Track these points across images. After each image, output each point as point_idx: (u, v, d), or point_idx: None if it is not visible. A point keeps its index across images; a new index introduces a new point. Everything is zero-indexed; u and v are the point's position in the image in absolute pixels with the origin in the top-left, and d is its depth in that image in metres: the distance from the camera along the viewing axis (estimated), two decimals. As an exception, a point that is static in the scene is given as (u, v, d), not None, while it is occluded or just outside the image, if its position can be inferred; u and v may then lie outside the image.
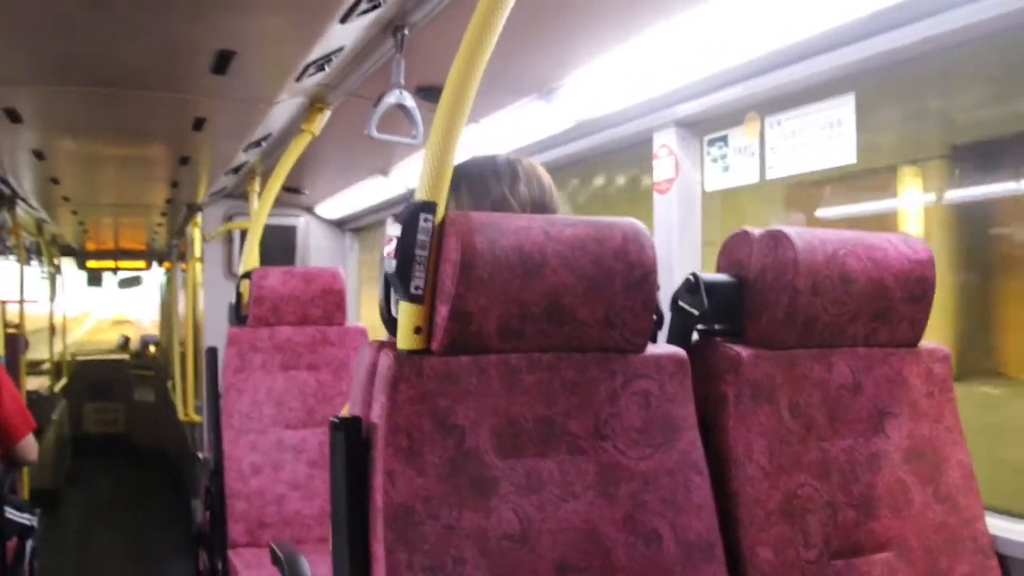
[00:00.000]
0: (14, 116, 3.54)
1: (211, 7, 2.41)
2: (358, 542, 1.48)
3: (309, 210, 6.34)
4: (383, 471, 1.45)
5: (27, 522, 4.09)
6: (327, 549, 1.58)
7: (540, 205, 1.76)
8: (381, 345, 1.55)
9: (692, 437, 1.65)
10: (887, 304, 1.80)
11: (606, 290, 1.56)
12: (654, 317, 1.67)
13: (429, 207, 1.48)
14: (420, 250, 1.48)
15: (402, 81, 2.58)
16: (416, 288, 1.48)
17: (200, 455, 4.49)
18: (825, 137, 2.41)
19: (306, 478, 3.69)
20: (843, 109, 2.36)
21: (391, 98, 2.60)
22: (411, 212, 1.48)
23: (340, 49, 2.71)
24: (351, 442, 1.50)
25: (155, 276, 12.12)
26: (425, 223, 1.48)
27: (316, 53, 2.70)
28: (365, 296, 6.63)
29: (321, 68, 2.88)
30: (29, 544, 4.12)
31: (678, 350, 1.68)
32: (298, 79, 2.99)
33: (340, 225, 6.46)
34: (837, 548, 1.73)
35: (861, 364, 1.82)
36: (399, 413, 1.47)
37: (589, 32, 2.51)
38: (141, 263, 11.42)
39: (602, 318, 1.58)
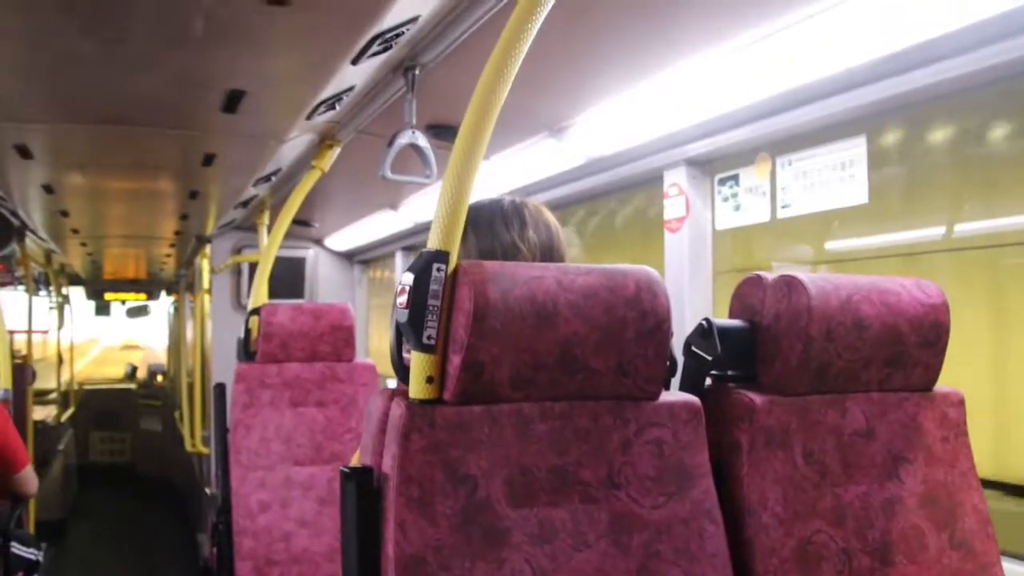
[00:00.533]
0: (24, 152, 3.55)
1: (222, 47, 2.42)
2: None
3: (318, 242, 6.35)
4: (394, 521, 1.44)
5: (33, 557, 4.07)
6: None
7: (548, 249, 1.77)
8: (393, 394, 1.54)
9: (706, 485, 1.63)
10: (901, 349, 1.79)
11: (619, 339, 1.55)
12: (667, 363, 1.65)
13: (442, 256, 1.48)
14: (432, 300, 1.47)
15: (414, 120, 2.58)
16: (428, 338, 1.47)
17: (208, 491, 4.48)
18: (836, 178, 2.41)
19: (314, 515, 3.67)
20: (854, 150, 2.36)
21: (404, 138, 2.60)
22: (424, 262, 1.48)
23: (351, 88, 2.72)
24: (362, 492, 1.49)
25: (163, 305, 12.13)
26: (438, 272, 1.47)
27: (327, 92, 2.71)
28: (374, 327, 6.63)
29: (332, 107, 2.88)
30: (35, 579, 4.10)
31: (692, 398, 1.67)
32: (308, 117, 2.99)
33: (349, 257, 6.47)
34: None
35: (875, 409, 1.80)
36: (411, 463, 1.45)
37: (601, 72, 2.52)
38: (149, 293, 11.43)
39: (615, 366, 1.57)
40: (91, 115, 3.12)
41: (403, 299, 1.47)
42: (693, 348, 1.80)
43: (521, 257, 1.70)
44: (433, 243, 1.49)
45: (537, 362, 1.51)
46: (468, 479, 1.48)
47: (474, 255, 1.70)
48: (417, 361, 1.49)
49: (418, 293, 1.46)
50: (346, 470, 1.51)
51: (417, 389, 1.49)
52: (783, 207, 2.57)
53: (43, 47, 2.42)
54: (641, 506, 1.59)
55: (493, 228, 1.74)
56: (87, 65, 2.59)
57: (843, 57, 2.12)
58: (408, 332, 1.48)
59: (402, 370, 1.55)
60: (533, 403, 1.54)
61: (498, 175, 3.42)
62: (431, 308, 1.47)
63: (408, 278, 1.48)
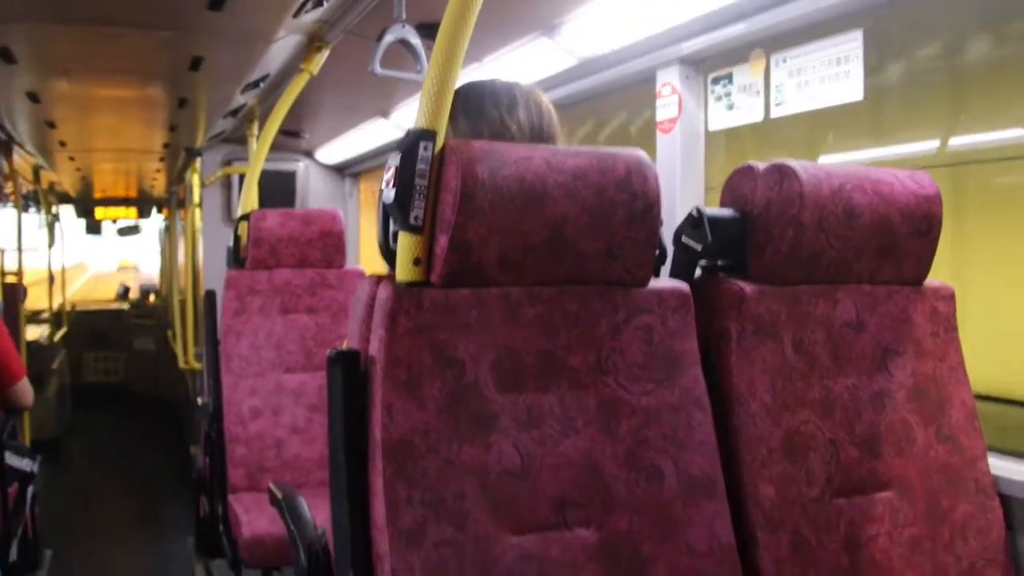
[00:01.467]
0: (8, 56, 3.49)
1: None
2: (357, 476, 1.47)
3: (309, 155, 6.29)
4: (382, 404, 1.43)
5: (27, 468, 4.09)
6: (327, 493, 1.56)
7: (539, 130, 1.71)
8: (379, 279, 1.52)
9: (695, 373, 1.63)
10: (893, 240, 1.77)
11: (609, 221, 1.53)
12: (656, 252, 1.64)
13: (428, 135, 1.45)
14: (420, 179, 1.44)
15: (404, 16, 2.53)
16: (415, 218, 1.45)
17: (200, 400, 4.48)
18: (831, 75, 2.37)
19: (306, 422, 3.68)
20: (850, 45, 2.32)
21: (394, 33, 2.56)
22: (410, 140, 1.45)
23: None
24: (349, 376, 1.48)
25: (154, 223, 12.07)
26: (425, 151, 1.45)
27: (313, -14, 2.66)
28: (364, 239, 6.61)
29: (319, 3, 2.83)
30: (30, 490, 4.12)
31: (681, 284, 1.66)
32: (295, 15, 2.94)
33: (340, 170, 6.42)
34: (839, 486, 1.71)
35: (866, 301, 1.80)
36: (398, 346, 1.44)
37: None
38: (140, 211, 11.36)
39: (604, 250, 1.55)
40: (76, 14, 3.06)
41: (389, 177, 1.45)
42: (684, 238, 1.79)
43: (509, 137, 1.67)
44: (420, 122, 1.46)
45: (526, 244, 1.50)
46: (455, 362, 1.48)
47: (463, 133, 1.66)
48: (404, 242, 1.47)
49: (404, 172, 1.44)
50: (333, 354, 1.49)
51: (404, 271, 1.48)
52: (776, 105, 2.53)
53: None
54: (630, 392, 1.58)
55: (483, 106, 1.69)
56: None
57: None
58: (395, 212, 1.46)
59: (390, 255, 1.53)
60: (521, 287, 1.53)
61: (490, 77, 3.38)
62: (418, 188, 1.44)
63: (395, 158, 1.45)
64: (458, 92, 1.67)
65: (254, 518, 3.30)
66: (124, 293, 12.75)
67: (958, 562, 1.78)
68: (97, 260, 16.84)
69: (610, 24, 2.76)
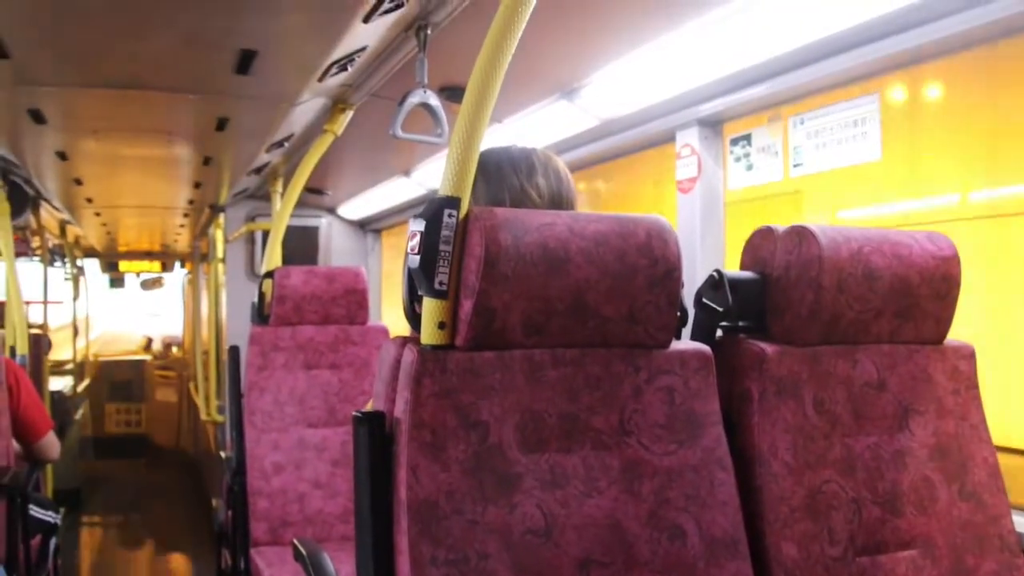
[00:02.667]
0: (38, 117, 3.57)
1: (233, 5, 2.42)
2: (382, 536, 1.49)
3: (331, 211, 6.35)
4: (407, 465, 1.45)
5: (51, 520, 4.12)
6: (350, 548, 1.58)
7: (558, 196, 1.75)
8: (404, 341, 1.55)
9: (717, 433, 1.64)
10: (912, 301, 1.79)
11: (630, 286, 1.56)
12: (678, 314, 1.66)
13: (453, 202, 1.48)
14: (444, 245, 1.48)
15: (426, 80, 2.58)
16: (440, 283, 1.48)
17: (223, 454, 4.51)
18: (849, 136, 2.40)
19: (328, 477, 3.70)
20: (868, 107, 2.35)
21: (416, 97, 2.60)
22: (435, 207, 1.48)
23: (363, 49, 2.72)
24: (375, 436, 1.50)
25: (177, 278, 12.16)
26: (449, 218, 1.48)
27: (339, 53, 2.71)
28: (386, 295, 6.65)
29: (344, 68, 2.88)
30: (53, 542, 4.15)
31: (702, 346, 1.68)
32: (320, 79, 3.00)
33: (363, 226, 6.47)
34: (862, 545, 1.72)
35: (886, 361, 1.81)
36: (423, 408, 1.47)
37: (612, 32, 2.51)
38: (163, 265, 11.46)
39: (626, 314, 1.57)
40: (105, 78, 3.13)
41: (414, 244, 1.48)
42: (704, 300, 1.81)
43: (529, 203, 1.70)
44: (444, 189, 1.49)
45: (549, 308, 1.52)
46: (480, 424, 1.50)
47: (483, 203, 1.70)
48: (429, 307, 1.50)
49: (429, 238, 1.47)
50: (359, 415, 1.52)
51: (429, 335, 1.51)
52: (795, 166, 2.56)
53: (57, 9, 2.43)
54: (652, 453, 1.60)
55: (501, 173, 1.73)
56: (100, 27, 2.60)
57: (853, 12, 2.11)
58: (420, 277, 1.49)
59: (414, 318, 1.56)
60: (545, 349, 1.55)
61: (511, 139, 3.42)
62: (443, 254, 1.47)
63: (420, 224, 1.49)
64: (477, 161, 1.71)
65: (276, 572, 3.31)
66: (147, 344, 12.82)
67: None
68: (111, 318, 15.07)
69: (629, 86, 2.80)
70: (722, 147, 2.84)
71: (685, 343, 1.69)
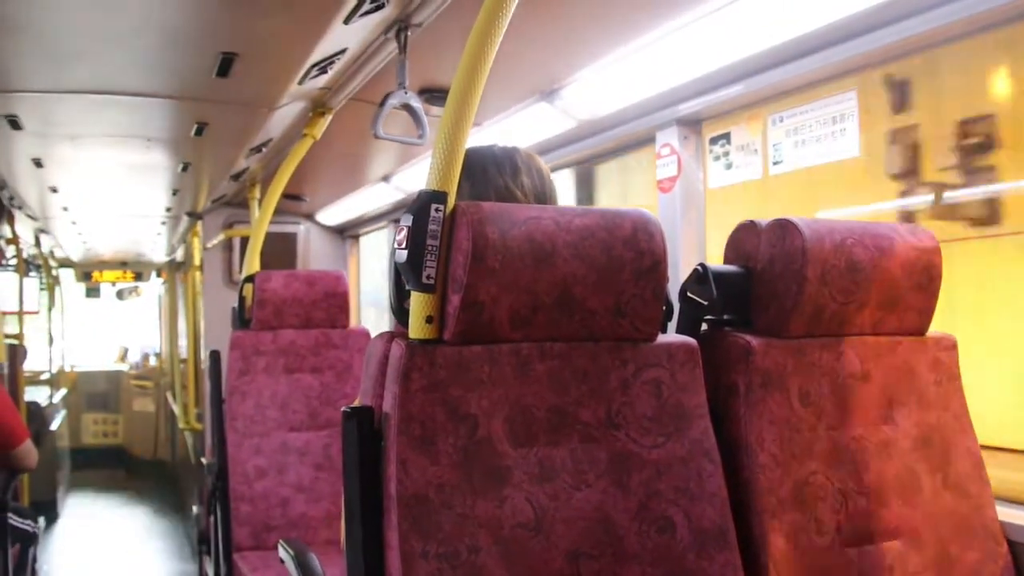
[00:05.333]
0: (15, 124, 3.54)
1: (212, 7, 2.41)
2: (372, 531, 1.49)
3: (309, 217, 6.34)
4: (396, 460, 1.46)
5: (30, 529, 4.10)
6: (334, 552, 1.58)
7: (542, 194, 1.79)
8: (392, 336, 1.55)
9: (704, 425, 1.65)
10: (895, 293, 1.81)
11: (616, 279, 1.57)
12: (663, 307, 1.67)
13: (440, 197, 1.49)
14: (431, 240, 1.48)
15: (407, 82, 2.58)
16: (428, 278, 1.49)
17: (203, 460, 4.49)
18: (828, 133, 2.42)
19: (311, 481, 3.69)
20: (846, 104, 2.37)
21: (396, 99, 2.60)
22: (422, 202, 1.49)
23: (343, 51, 2.71)
24: (363, 431, 1.51)
25: (153, 287, 12.10)
26: (436, 213, 1.48)
27: (319, 55, 2.71)
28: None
29: (323, 71, 2.88)
30: (32, 551, 4.12)
31: (688, 339, 1.69)
32: (300, 82, 2.99)
33: (341, 232, 6.46)
34: (849, 535, 1.73)
35: (870, 353, 1.83)
36: (412, 402, 1.47)
37: (591, 33, 2.52)
38: (138, 275, 11.40)
39: (612, 307, 1.58)
40: (83, 83, 3.11)
41: (402, 238, 1.49)
42: (689, 293, 1.82)
43: (515, 202, 1.72)
44: (431, 183, 1.50)
45: (536, 302, 1.53)
46: (469, 418, 1.50)
47: (467, 199, 1.71)
48: (416, 301, 1.51)
49: (417, 233, 1.48)
50: (348, 410, 1.52)
51: (417, 329, 1.51)
52: (775, 164, 2.58)
53: (31, 11, 2.41)
54: (640, 445, 1.61)
55: (486, 173, 1.75)
56: (79, 30, 2.58)
57: (830, 10, 2.13)
58: (407, 272, 1.49)
59: (402, 313, 1.57)
60: (532, 343, 1.56)
61: (491, 141, 3.43)
62: (430, 248, 1.48)
63: (406, 219, 1.49)
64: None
65: None
66: (124, 354, 12.74)
67: None
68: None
69: (609, 87, 2.82)
70: (702, 146, 2.86)
71: (671, 336, 1.70)
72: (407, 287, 1.52)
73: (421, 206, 1.49)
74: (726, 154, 2.75)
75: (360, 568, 1.49)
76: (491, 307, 1.50)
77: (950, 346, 1.91)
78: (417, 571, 1.42)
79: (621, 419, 1.60)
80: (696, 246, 2.88)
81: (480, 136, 3.42)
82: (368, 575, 1.49)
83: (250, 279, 3.79)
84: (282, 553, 2.25)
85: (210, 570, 4.01)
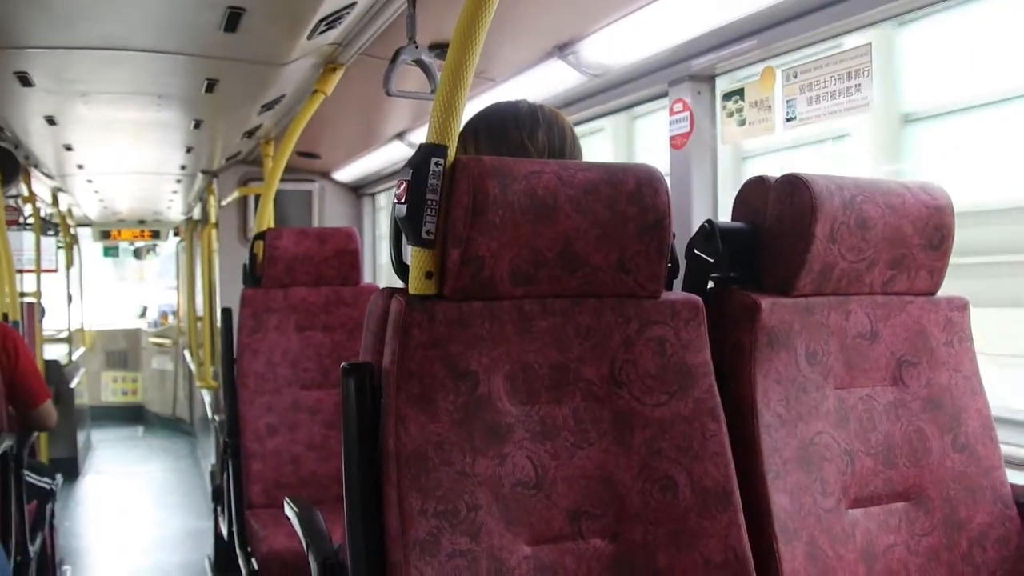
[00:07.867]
0: (25, 80, 3.53)
1: None
2: (371, 488, 1.48)
3: (325, 175, 6.32)
4: (395, 416, 1.44)
5: (47, 486, 4.12)
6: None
7: (559, 152, 1.73)
8: (392, 292, 1.53)
9: (708, 384, 1.63)
10: (905, 251, 1.77)
11: (620, 235, 1.54)
12: (668, 264, 1.64)
13: (440, 150, 1.46)
14: (431, 194, 1.46)
15: (417, 36, 2.55)
16: (427, 232, 1.46)
17: (216, 417, 4.50)
18: (842, 88, 2.38)
19: (322, 439, 3.70)
20: (860, 59, 2.32)
21: (407, 54, 2.58)
22: (422, 155, 1.46)
23: (352, 4, 2.68)
24: (362, 388, 1.49)
25: (171, 246, 12.13)
26: (436, 167, 1.46)
27: (327, 9, 2.68)
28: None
29: (332, 25, 2.85)
30: (49, 507, 4.15)
31: (693, 296, 1.66)
32: (310, 37, 2.96)
33: (356, 190, 6.44)
34: (854, 496, 1.71)
35: (879, 312, 1.80)
36: (411, 359, 1.45)
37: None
38: (155, 234, 11.42)
39: (615, 263, 1.56)
40: (92, 39, 3.09)
41: (401, 192, 1.46)
42: (695, 251, 1.79)
43: (526, 156, 1.68)
44: (430, 137, 1.48)
45: (537, 258, 1.51)
46: (469, 375, 1.49)
47: (483, 154, 1.68)
48: (416, 256, 1.49)
49: (416, 187, 1.45)
50: (347, 366, 1.51)
51: (416, 284, 1.49)
52: (788, 120, 2.54)
53: None
54: (643, 404, 1.59)
55: (504, 127, 1.72)
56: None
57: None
58: (407, 227, 1.47)
59: (402, 269, 1.55)
60: (534, 300, 1.54)
61: (506, 98, 3.39)
62: (429, 202, 1.46)
63: (406, 173, 1.47)
64: (482, 114, 1.70)
65: (271, 534, 3.31)
66: (143, 312, 12.79)
67: (976, 572, 1.77)
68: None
69: (621, 43, 2.78)
70: (715, 102, 2.82)
71: (676, 293, 1.67)
72: (407, 242, 1.50)
73: (421, 159, 1.46)
74: (739, 110, 2.71)
75: (359, 525, 1.49)
76: (491, 263, 1.48)
77: (962, 307, 1.88)
78: (416, 528, 1.41)
79: (624, 377, 1.58)
80: (708, 203, 2.85)
81: (494, 93, 3.38)
82: (367, 532, 1.48)
83: (261, 236, 3.78)
84: (288, 510, 2.25)
85: (224, 527, 4.04)
